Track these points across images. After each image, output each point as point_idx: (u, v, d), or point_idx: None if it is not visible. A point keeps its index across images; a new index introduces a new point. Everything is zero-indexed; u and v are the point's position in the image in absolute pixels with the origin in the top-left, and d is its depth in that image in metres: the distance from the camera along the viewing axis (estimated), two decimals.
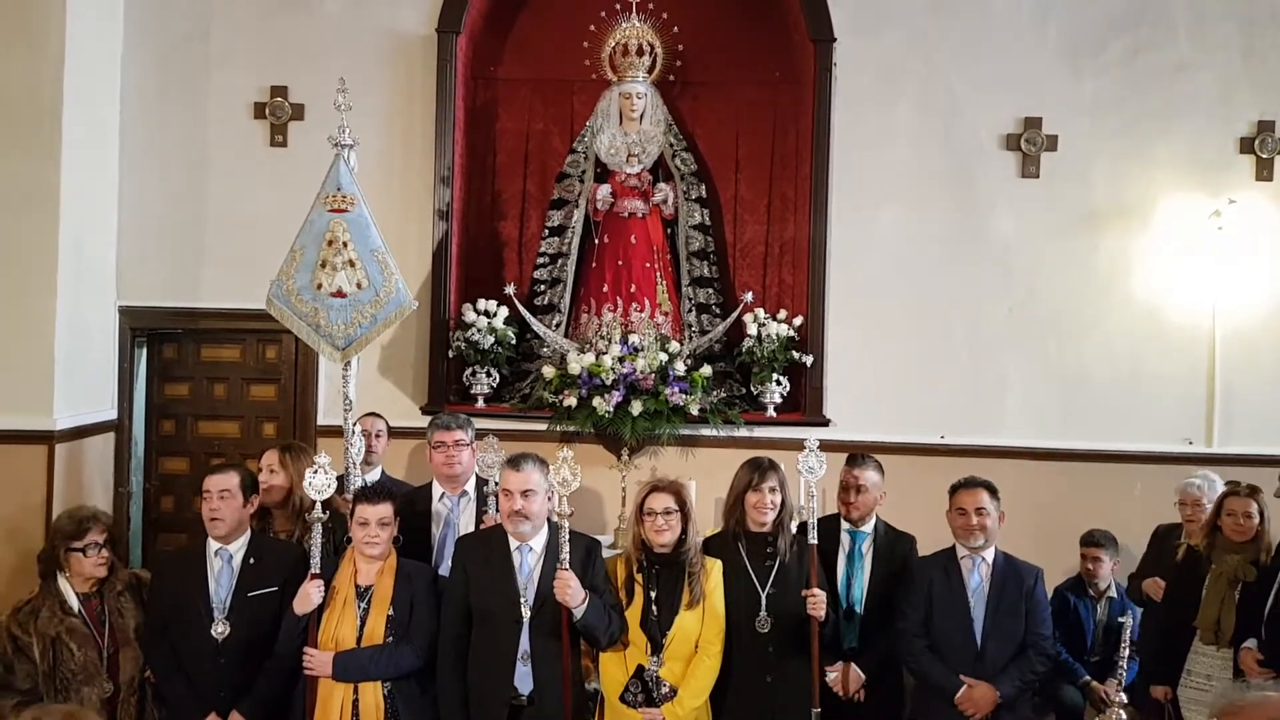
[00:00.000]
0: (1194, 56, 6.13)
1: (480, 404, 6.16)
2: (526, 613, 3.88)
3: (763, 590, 4.08)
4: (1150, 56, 6.14)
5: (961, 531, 4.40)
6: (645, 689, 3.95)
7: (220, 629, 4.06)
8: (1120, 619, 5.39)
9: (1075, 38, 6.16)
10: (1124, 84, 6.14)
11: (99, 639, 4.17)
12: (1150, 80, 6.13)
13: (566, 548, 3.83)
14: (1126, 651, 3.24)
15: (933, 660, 4.32)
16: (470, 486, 4.70)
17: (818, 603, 4.04)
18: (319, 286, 4.94)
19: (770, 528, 4.16)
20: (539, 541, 3.99)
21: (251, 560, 4.16)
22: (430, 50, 6.23)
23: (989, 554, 4.39)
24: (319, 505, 3.97)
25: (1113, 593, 5.47)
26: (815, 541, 4.15)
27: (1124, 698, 3.15)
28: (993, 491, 4.40)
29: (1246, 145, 6.10)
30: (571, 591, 3.77)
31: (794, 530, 4.24)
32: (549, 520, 4.04)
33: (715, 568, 4.07)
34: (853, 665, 4.42)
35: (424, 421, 6.04)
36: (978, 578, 4.37)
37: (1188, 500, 5.13)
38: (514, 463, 3.98)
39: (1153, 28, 6.14)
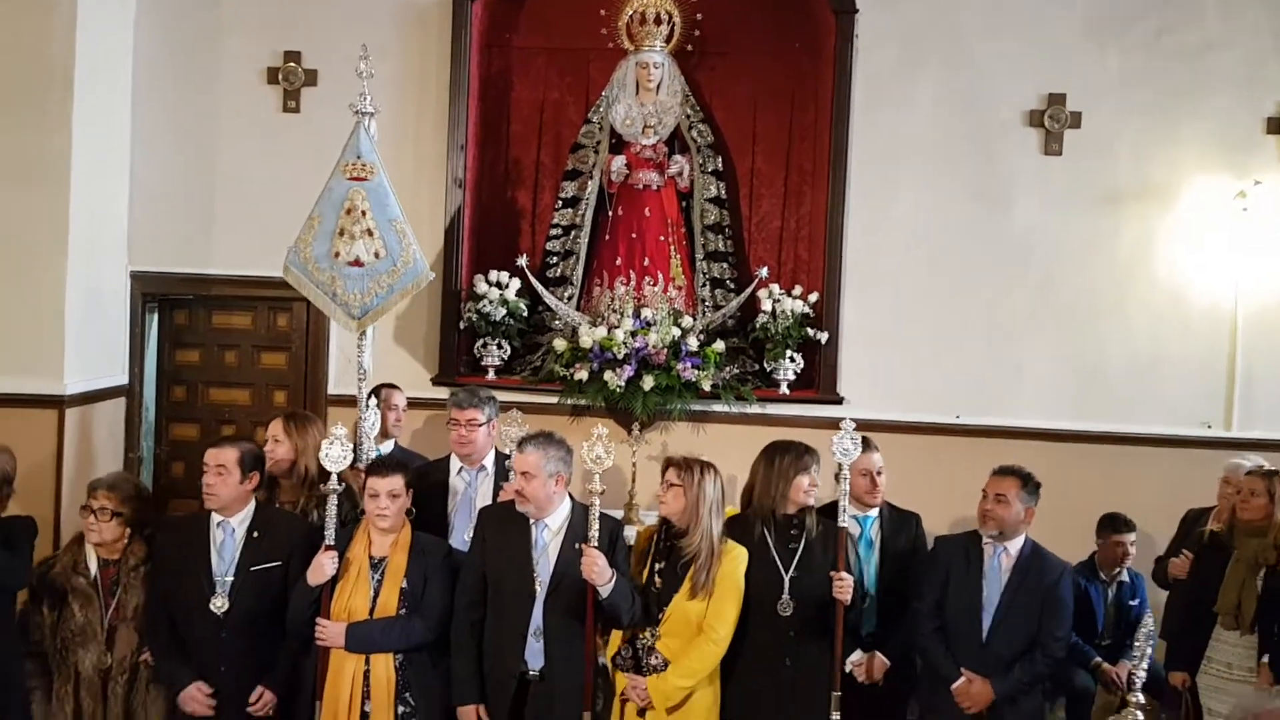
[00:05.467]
0: (1221, 35, 6.01)
1: (491, 376, 6.12)
2: (540, 589, 3.87)
3: (786, 573, 4.04)
4: (1177, 34, 6.02)
5: (978, 515, 4.33)
6: (635, 655, 3.93)
7: (220, 604, 4.03)
8: (1131, 602, 5.43)
9: (1101, 14, 6.05)
10: (1150, 62, 6.03)
11: (103, 608, 4.17)
12: (1176, 58, 6.02)
13: (596, 525, 3.79)
14: (1149, 649, 3.13)
15: (937, 645, 4.28)
16: (489, 461, 4.68)
17: (844, 586, 4.00)
18: (336, 255, 4.89)
19: (797, 510, 4.12)
20: (556, 519, 3.96)
21: (255, 534, 4.12)
22: (445, 17, 6.15)
23: (1015, 544, 4.29)
24: (334, 477, 3.94)
25: (1124, 576, 5.44)
26: (846, 524, 4.10)
27: (1140, 698, 3.07)
28: (1028, 485, 4.28)
29: (1273, 125, 5.98)
30: (598, 569, 3.74)
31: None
32: (572, 499, 4.00)
33: (737, 555, 3.96)
34: (877, 654, 4.40)
35: (435, 392, 6.09)
36: (997, 566, 4.28)
37: (1231, 480, 4.99)
38: (520, 444, 3.99)
39: (1179, 6, 6.02)
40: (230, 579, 4.05)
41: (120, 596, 4.17)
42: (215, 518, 4.14)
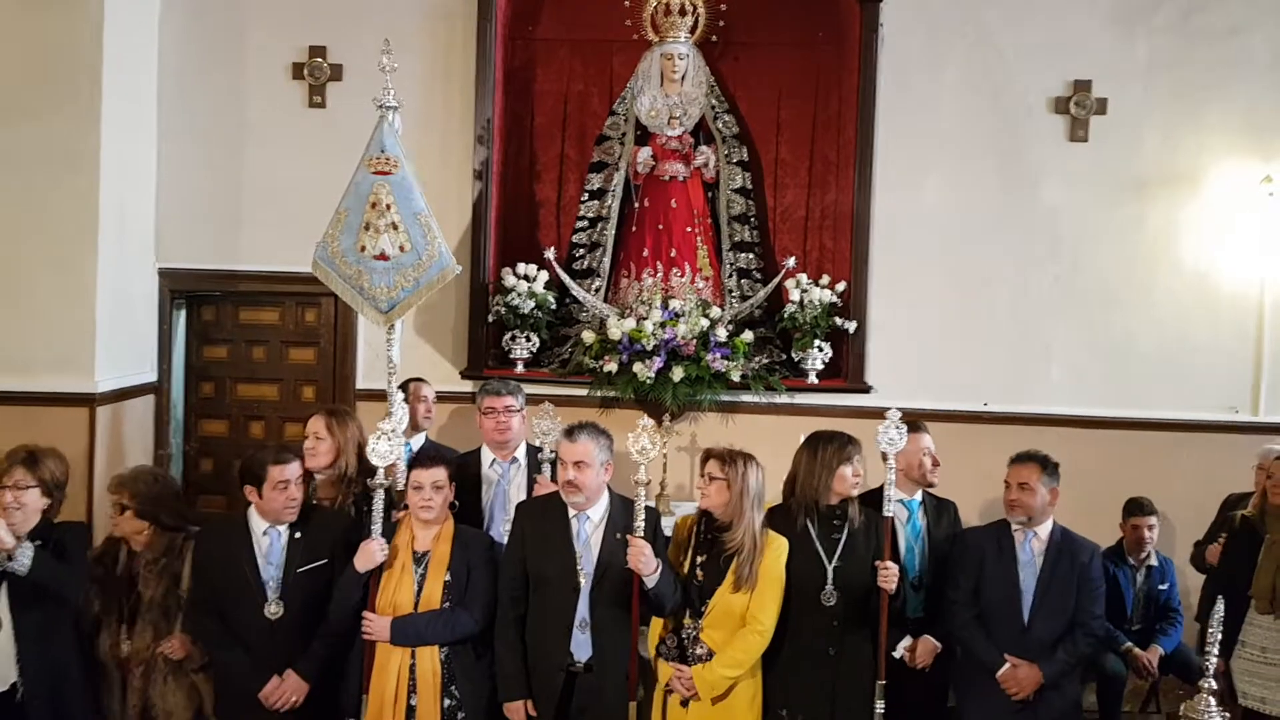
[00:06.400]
0: (1248, 18, 5.99)
1: (520, 369, 6.13)
2: (584, 581, 3.89)
3: (829, 563, 4.05)
4: (1203, 18, 6.01)
5: (1005, 505, 4.37)
6: (680, 645, 3.94)
7: (274, 609, 4.04)
8: (1161, 586, 5.44)
9: None
10: (1176, 46, 6.02)
11: (123, 597, 4.23)
12: (1202, 43, 6.00)
13: (642, 516, 3.82)
14: (1220, 635, 3.12)
15: (978, 633, 4.30)
16: (521, 453, 4.70)
17: (889, 575, 4.01)
18: (362, 249, 4.87)
19: (838, 499, 4.13)
20: (597, 511, 3.98)
21: (298, 535, 4.13)
22: (469, 9, 6.14)
23: (1044, 529, 4.34)
24: (381, 472, 3.96)
25: (1153, 560, 5.45)
26: (891, 514, 4.13)
27: (1214, 684, 3.06)
28: (1047, 467, 4.33)
29: None
30: (645, 559, 3.77)
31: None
32: (609, 490, 4.03)
33: (778, 547, 3.98)
34: (927, 637, 4.42)
35: (463, 386, 6.10)
36: (1029, 552, 4.33)
37: (1264, 465, 4.96)
38: (570, 433, 3.99)
39: None
40: (280, 583, 4.06)
41: (140, 588, 4.22)
42: (261, 523, 4.12)
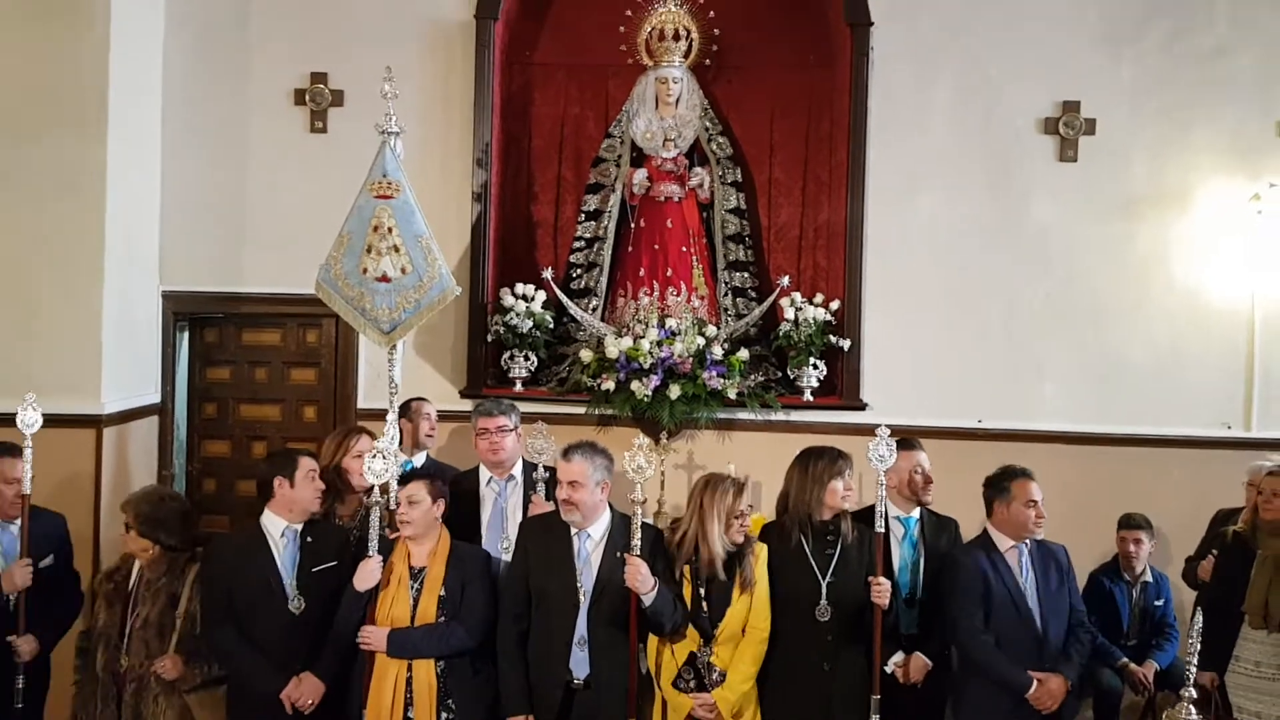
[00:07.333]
0: (1233, 39, 6.08)
1: (518, 387, 6.20)
2: (584, 598, 3.95)
3: (823, 579, 4.10)
4: (1189, 39, 6.09)
5: (1035, 524, 4.35)
6: (697, 675, 3.99)
7: (297, 604, 4.15)
8: (1156, 602, 5.48)
9: (1114, 20, 6.12)
10: (1163, 67, 6.10)
11: (125, 614, 4.30)
12: (1189, 63, 6.09)
13: (639, 534, 3.88)
14: (1199, 645, 3.18)
15: (1001, 658, 4.27)
16: (518, 471, 4.77)
17: (882, 591, 4.06)
18: (365, 271, 4.96)
19: (831, 515, 4.19)
20: (598, 529, 4.04)
21: (309, 539, 4.27)
22: (468, 36, 6.25)
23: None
24: (376, 489, 4.04)
25: (1148, 576, 5.49)
26: (883, 530, 4.17)
27: (1194, 692, 3.11)
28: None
29: None
30: (641, 577, 3.83)
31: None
32: (611, 508, 4.08)
33: (762, 552, 4.09)
34: (918, 654, 4.43)
35: (463, 405, 6.14)
36: (1023, 565, 4.38)
37: (1254, 481, 5.03)
38: (565, 452, 4.06)
39: (1192, 10, 6.08)
40: (296, 581, 4.18)
41: (139, 606, 4.29)
42: (278, 525, 4.25)
